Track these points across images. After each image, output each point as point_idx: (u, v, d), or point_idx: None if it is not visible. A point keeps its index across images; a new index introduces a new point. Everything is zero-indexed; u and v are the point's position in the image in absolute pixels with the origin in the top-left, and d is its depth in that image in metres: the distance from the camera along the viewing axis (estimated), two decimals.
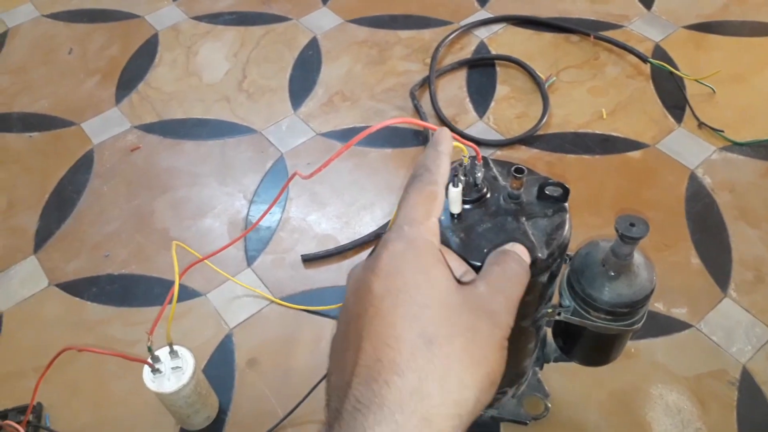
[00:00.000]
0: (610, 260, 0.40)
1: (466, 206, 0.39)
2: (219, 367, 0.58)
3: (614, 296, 0.40)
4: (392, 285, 0.26)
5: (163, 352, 0.48)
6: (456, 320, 0.26)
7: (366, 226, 0.68)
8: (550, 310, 0.42)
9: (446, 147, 0.32)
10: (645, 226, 0.38)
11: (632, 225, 0.38)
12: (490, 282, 0.29)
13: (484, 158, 0.40)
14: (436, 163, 0.31)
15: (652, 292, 0.41)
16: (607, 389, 0.55)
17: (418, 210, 0.29)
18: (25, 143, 0.80)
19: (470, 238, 0.37)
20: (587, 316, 0.41)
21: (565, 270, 0.43)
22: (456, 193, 0.37)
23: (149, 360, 0.47)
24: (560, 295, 0.43)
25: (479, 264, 0.36)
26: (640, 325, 0.42)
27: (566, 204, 0.39)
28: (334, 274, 0.65)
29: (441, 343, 0.25)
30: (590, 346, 0.46)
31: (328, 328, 0.61)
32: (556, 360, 0.50)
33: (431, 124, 0.35)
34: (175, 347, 0.48)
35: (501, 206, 0.39)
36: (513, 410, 0.52)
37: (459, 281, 0.28)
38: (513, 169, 0.38)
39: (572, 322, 0.42)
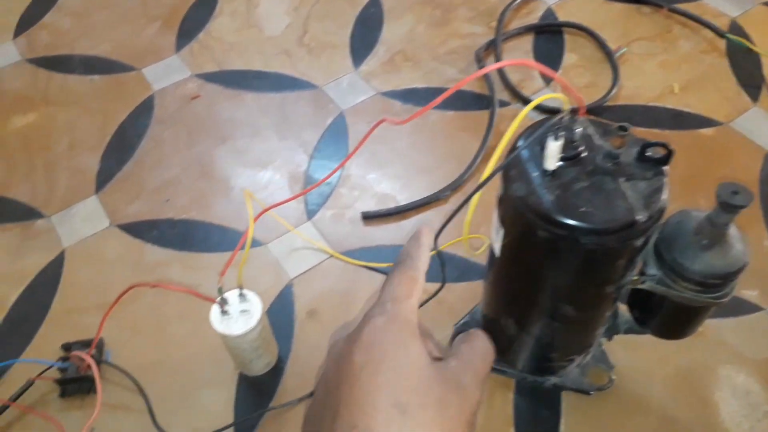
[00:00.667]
0: (705, 229, 0.39)
1: (561, 163, 0.38)
2: (279, 316, 0.58)
3: (706, 266, 0.39)
4: (372, 356, 0.28)
5: (231, 295, 0.48)
6: (429, 391, 0.28)
7: (425, 188, 0.67)
8: (636, 278, 0.41)
9: (427, 241, 0.35)
10: (749, 194, 0.36)
11: (735, 193, 0.36)
12: (460, 358, 0.31)
13: (586, 116, 0.39)
14: (417, 253, 0.34)
15: (745, 265, 0.39)
16: (673, 366, 0.54)
17: (401, 289, 0.31)
18: (86, 86, 0.80)
19: (566, 196, 0.36)
20: (674, 285, 0.40)
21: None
22: (555, 147, 0.36)
23: (218, 301, 0.47)
24: (644, 263, 0.42)
25: (572, 222, 0.35)
26: (728, 299, 0.41)
27: (667, 167, 0.37)
28: (393, 233, 0.64)
29: (414, 413, 0.26)
30: (670, 318, 0.45)
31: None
32: (626, 332, 0.49)
33: (549, 70, 0.33)
34: (244, 291, 0.48)
35: (598, 165, 0.38)
36: (576, 379, 0.52)
37: (433, 357, 0.30)
38: (617, 126, 0.37)
39: (657, 291, 0.41)
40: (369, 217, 0.65)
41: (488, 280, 0.48)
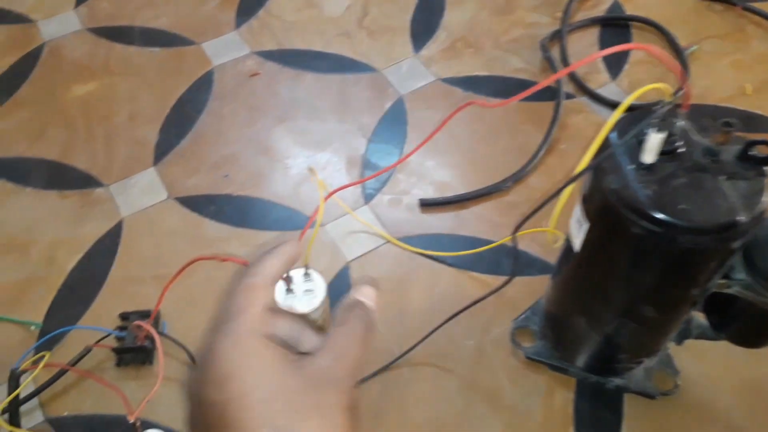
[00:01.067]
0: None
1: (656, 158, 0.36)
2: (335, 298, 0.57)
3: None
4: (230, 392, 0.25)
5: (296, 273, 0.48)
6: (302, 403, 0.26)
7: (484, 179, 0.66)
8: (722, 281, 0.39)
9: (285, 249, 0.31)
10: None
11: None
12: (332, 350, 0.28)
13: (686, 109, 0.37)
14: (261, 259, 0.30)
15: None
16: (742, 376, 0.52)
17: (238, 301, 0.28)
18: (146, 57, 0.80)
19: (664, 191, 0.35)
20: (764, 292, 0.39)
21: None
22: (657, 139, 0.35)
23: (284, 278, 0.47)
24: (731, 267, 0.40)
25: (669, 219, 0.34)
26: None
27: None
28: (451, 222, 0.63)
29: (296, 430, 0.25)
30: (751, 326, 0.43)
31: (443, 274, 0.59)
32: (697, 337, 0.48)
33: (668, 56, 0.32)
34: (309, 270, 0.48)
35: (697, 162, 0.36)
36: (641, 382, 0.50)
37: (297, 353, 0.28)
38: (722, 122, 0.35)
39: (744, 296, 0.40)
40: (427, 205, 0.64)
41: (560, 276, 0.47)
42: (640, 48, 0.29)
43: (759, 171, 0.36)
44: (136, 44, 0.82)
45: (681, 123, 0.36)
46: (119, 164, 0.69)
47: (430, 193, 0.65)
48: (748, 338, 0.44)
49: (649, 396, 0.50)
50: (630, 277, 0.39)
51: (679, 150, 0.36)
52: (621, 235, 0.37)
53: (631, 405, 0.51)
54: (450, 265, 0.60)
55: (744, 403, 0.51)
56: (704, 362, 0.52)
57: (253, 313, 0.28)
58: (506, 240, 0.60)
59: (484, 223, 0.63)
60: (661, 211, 0.34)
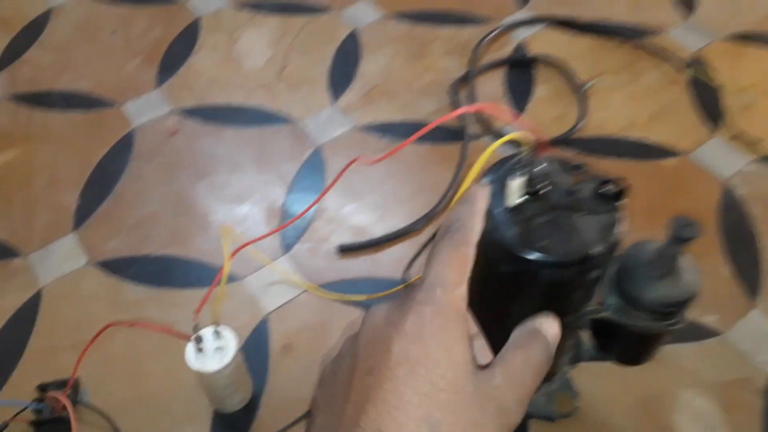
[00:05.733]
0: (658, 260, 0.41)
1: (523, 199, 0.39)
2: (254, 351, 0.58)
3: (659, 297, 0.41)
4: (412, 353, 0.25)
5: (206, 333, 0.49)
6: (464, 411, 0.25)
7: (400, 220, 0.69)
8: (594, 308, 0.43)
9: (481, 205, 0.31)
10: (698, 227, 0.38)
11: (686, 226, 0.38)
12: (508, 372, 0.27)
13: (548, 154, 0.41)
14: (471, 221, 0.30)
15: (695, 294, 0.41)
16: (636, 392, 0.55)
17: (452, 272, 0.27)
18: (67, 122, 0.81)
19: (526, 231, 0.38)
20: (630, 314, 0.42)
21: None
22: (515, 184, 0.38)
23: (193, 338, 0.48)
24: (605, 293, 0.43)
25: (531, 257, 0.37)
26: (681, 325, 0.43)
27: (621, 203, 0.39)
28: (369, 265, 0.65)
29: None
30: (629, 345, 0.46)
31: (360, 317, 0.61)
32: (589, 359, 0.51)
33: (510, 112, 0.36)
34: (219, 328, 0.49)
35: (556, 201, 0.39)
36: (542, 407, 0.53)
37: (477, 363, 0.27)
38: (572, 165, 0.39)
39: (615, 320, 0.43)
40: (345, 250, 0.66)
41: None
42: (481, 108, 0.32)
43: (612, 206, 0.39)
44: (57, 109, 0.83)
45: (540, 167, 0.39)
46: (39, 232, 0.69)
47: (349, 238, 0.68)
48: (628, 357, 0.47)
49: (550, 419, 0.52)
50: (509, 309, 0.42)
51: (542, 191, 0.40)
52: (494, 272, 0.39)
53: (535, 429, 0.53)
54: (367, 307, 0.62)
55: (638, 417, 0.54)
56: (602, 382, 0.55)
57: (462, 292, 0.27)
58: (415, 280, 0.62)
59: (399, 264, 0.65)
60: (524, 250, 0.37)
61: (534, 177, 0.39)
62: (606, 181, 0.39)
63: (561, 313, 0.42)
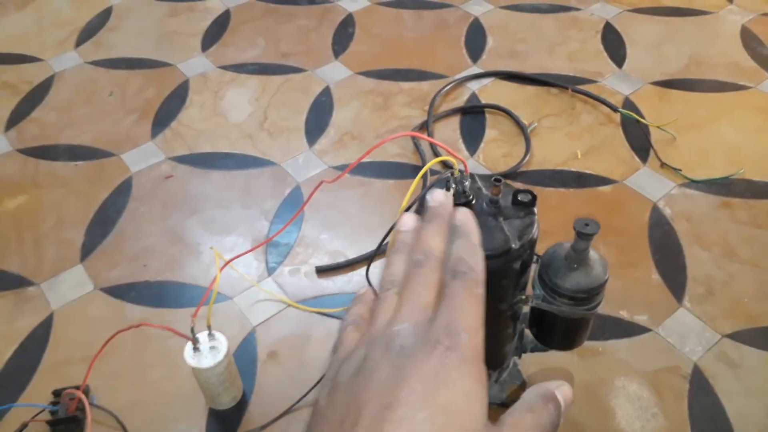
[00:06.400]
0: (571, 255, 0.51)
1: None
2: (243, 359, 0.67)
3: (574, 284, 0.50)
4: (437, 399, 0.24)
5: (201, 335, 0.58)
6: None
7: (371, 244, 0.79)
8: (524, 297, 0.52)
9: (478, 239, 0.31)
10: (596, 225, 0.48)
11: (586, 224, 0.48)
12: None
13: (471, 172, 0.51)
14: (475, 259, 0.30)
15: (605, 282, 0.51)
16: (577, 381, 0.64)
17: (472, 318, 0.27)
18: (71, 170, 0.91)
19: None
20: (553, 301, 0.51)
21: (536, 267, 0.53)
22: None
23: (192, 339, 0.56)
24: (533, 287, 0.53)
25: None
26: (597, 310, 0.52)
27: (535, 208, 0.49)
28: (344, 283, 0.75)
29: None
30: (559, 331, 0.55)
31: (336, 327, 0.70)
32: (532, 350, 0.60)
33: (433, 141, 0.46)
34: (213, 331, 0.58)
35: (483, 210, 0.49)
36: (496, 395, 0.61)
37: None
38: (492, 179, 0.49)
39: (542, 307, 0.52)
40: (322, 271, 0.75)
41: None
42: (416, 135, 0.42)
43: (528, 211, 0.49)
44: (62, 160, 0.93)
45: (467, 183, 0.50)
46: (49, 264, 0.78)
47: (325, 261, 0.77)
48: (564, 343, 0.57)
49: (504, 405, 0.61)
50: None
51: (472, 202, 0.50)
52: None
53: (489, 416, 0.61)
54: (341, 318, 0.71)
55: (581, 403, 0.62)
56: (547, 372, 0.64)
57: (482, 337, 0.27)
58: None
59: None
60: None
61: (462, 192, 0.50)
62: (520, 191, 0.49)
63: (496, 300, 0.51)
